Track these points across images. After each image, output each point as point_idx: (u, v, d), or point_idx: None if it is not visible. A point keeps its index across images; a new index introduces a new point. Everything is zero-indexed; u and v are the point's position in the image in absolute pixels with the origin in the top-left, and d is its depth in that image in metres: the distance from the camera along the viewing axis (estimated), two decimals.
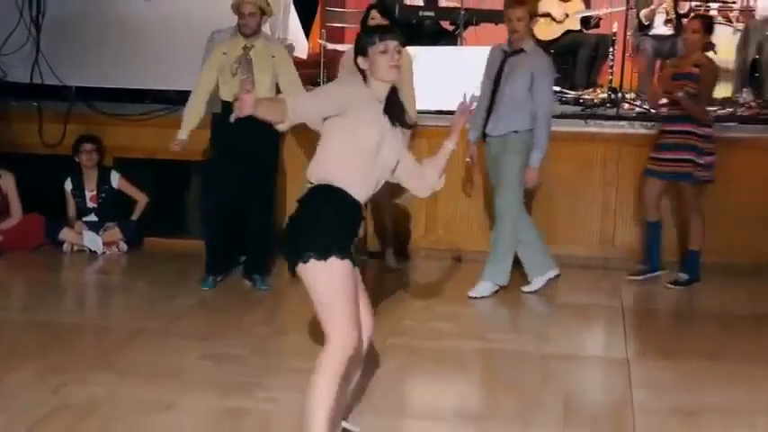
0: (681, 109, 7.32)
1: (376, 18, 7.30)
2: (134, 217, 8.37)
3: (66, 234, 8.18)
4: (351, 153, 3.97)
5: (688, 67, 7.38)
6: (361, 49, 4.11)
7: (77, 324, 6.54)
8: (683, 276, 7.70)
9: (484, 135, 7.11)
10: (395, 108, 4.24)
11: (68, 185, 8.31)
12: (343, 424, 4.17)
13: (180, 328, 6.29)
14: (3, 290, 7.45)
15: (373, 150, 4.00)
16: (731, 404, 5.18)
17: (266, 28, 7.77)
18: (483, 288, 7.19)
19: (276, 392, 5.09)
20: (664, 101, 7.59)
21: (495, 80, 7.10)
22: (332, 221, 3.91)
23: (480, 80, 7.31)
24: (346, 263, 3.86)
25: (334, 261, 3.81)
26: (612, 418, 4.99)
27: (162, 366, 5.47)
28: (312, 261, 3.79)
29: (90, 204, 8.30)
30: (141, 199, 8.38)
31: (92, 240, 8.14)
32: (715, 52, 8.21)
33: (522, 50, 7.04)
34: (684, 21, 9.81)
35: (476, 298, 7.18)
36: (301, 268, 3.85)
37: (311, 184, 4.02)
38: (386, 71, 4.11)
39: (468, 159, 7.39)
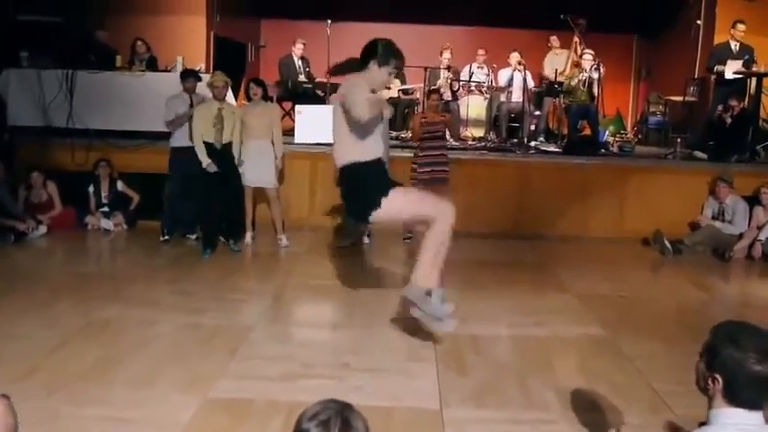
0: (438, 140, 7.42)
1: (254, 88, 7.21)
2: (131, 208, 8.30)
3: (89, 219, 8.12)
4: (362, 134, 3.67)
5: (439, 118, 7.52)
6: (381, 59, 3.67)
7: (96, 273, 6.57)
8: None
9: None
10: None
11: (91, 189, 8.18)
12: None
13: (158, 275, 6.24)
14: (50, 253, 7.33)
15: (374, 126, 3.76)
16: (485, 312, 5.25)
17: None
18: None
19: (219, 313, 5.10)
20: (424, 135, 7.38)
21: None
22: (372, 184, 3.67)
23: None
24: (397, 188, 3.76)
25: (391, 193, 3.70)
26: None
27: (148, 298, 5.46)
28: (380, 206, 3.67)
29: (104, 201, 8.19)
30: (136, 197, 8.32)
31: (106, 223, 8.09)
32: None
33: None
34: (458, 92, 10.19)
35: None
36: (376, 214, 3.72)
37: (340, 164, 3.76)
38: (380, 85, 3.78)
39: None
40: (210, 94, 7.02)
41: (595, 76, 9.47)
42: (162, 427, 3.40)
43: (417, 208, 3.81)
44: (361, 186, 3.77)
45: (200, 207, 7.19)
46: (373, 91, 3.87)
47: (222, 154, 6.88)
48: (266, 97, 7.55)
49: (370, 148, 3.77)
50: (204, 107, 6.93)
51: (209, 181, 6.85)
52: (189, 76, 7.44)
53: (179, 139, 7.35)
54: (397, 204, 3.76)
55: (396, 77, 10.24)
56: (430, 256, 3.89)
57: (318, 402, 1.64)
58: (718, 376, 1.92)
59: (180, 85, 7.43)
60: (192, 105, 7.29)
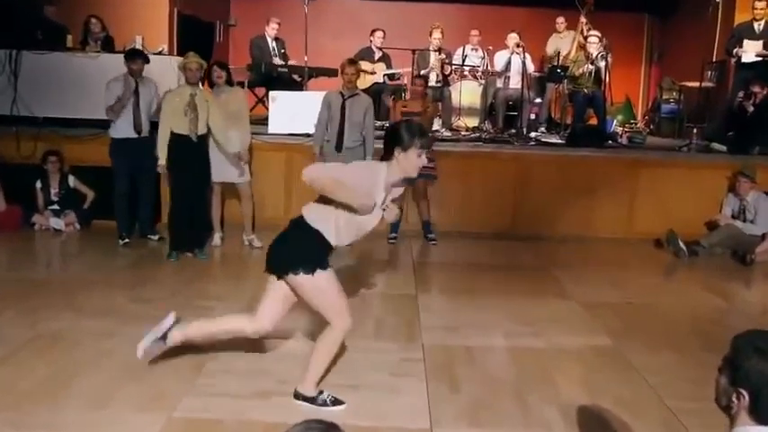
0: None
1: (217, 71, 7.18)
2: (85, 206, 8.24)
3: (37, 218, 8.07)
4: (345, 221, 3.61)
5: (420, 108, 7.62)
6: (403, 143, 3.58)
7: (46, 279, 6.48)
8: (433, 236, 7.87)
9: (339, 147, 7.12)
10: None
11: (38, 185, 8.14)
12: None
13: (116, 281, 6.20)
14: None
15: (365, 225, 3.69)
16: (479, 321, 5.37)
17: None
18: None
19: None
20: None
21: (341, 112, 7.12)
22: (314, 250, 3.63)
23: (318, 112, 7.30)
24: (329, 271, 3.67)
25: (319, 273, 3.62)
26: (406, 330, 5.11)
27: (104, 307, 5.40)
28: (301, 274, 3.61)
29: (54, 198, 8.15)
30: (90, 194, 8.28)
31: (56, 222, 8.05)
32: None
33: (357, 94, 7.19)
34: (449, 77, 10.19)
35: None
36: (292, 278, 3.65)
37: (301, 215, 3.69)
38: (413, 169, 3.66)
39: None
40: (156, 79, 6.95)
41: (602, 64, 9.50)
42: None
43: (327, 303, 3.72)
44: (302, 245, 3.69)
45: (152, 203, 7.25)
46: (406, 180, 3.82)
47: (197, 148, 6.81)
48: (231, 82, 7.49)
49: (341, 230, 3.66)
50: (174, 93, 6.84)
51: (179, 177, 6.84)
52: (136, 56, 7.25)
53: (121, 130, 7.25)
54: (317, 285, 3.67)
55: (381, 61, 10.27)
56: (324, 361, 3.89)
57: (300, 423, 1.63)
58: (743, 391, 1.91)
59: (124, 66, 7.23)
60: (136, 90, 7.20)
